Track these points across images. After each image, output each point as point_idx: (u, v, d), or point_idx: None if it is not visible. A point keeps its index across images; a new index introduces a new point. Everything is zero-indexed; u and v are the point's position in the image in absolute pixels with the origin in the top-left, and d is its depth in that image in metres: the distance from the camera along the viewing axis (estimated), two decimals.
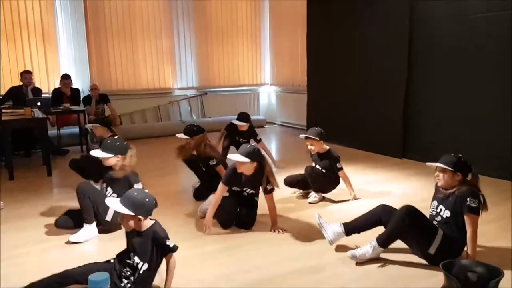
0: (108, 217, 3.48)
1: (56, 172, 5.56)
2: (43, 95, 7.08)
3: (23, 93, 6.75)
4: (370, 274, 2.84)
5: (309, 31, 7.84)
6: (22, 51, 7.60)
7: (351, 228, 3.09)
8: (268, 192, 3.49)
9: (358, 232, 3.09)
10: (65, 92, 7.13)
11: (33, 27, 7.64)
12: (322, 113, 7.39)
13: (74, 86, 7.50)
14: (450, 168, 2.82)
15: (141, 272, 2.44)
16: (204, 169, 4.47)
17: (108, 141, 3.41)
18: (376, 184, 4.87)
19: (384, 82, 6.38)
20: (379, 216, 3.04)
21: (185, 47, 9.08)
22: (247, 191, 3.64)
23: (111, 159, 3.35)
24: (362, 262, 2.94)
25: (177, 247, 2.48)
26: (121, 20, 8.39)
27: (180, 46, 9.03)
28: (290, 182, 4.47)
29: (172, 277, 2.50)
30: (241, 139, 5.50)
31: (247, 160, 3.35)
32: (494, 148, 5.09)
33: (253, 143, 5.11)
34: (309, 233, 3.50)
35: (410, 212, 2.83)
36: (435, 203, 2.98)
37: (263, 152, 3.66)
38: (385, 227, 2.96)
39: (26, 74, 6.91)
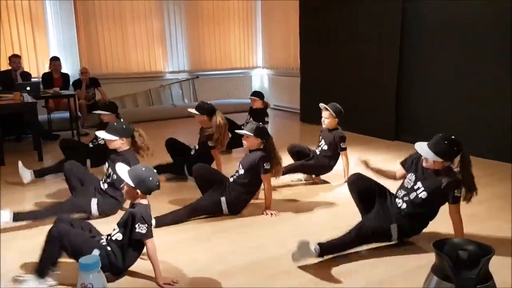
0: (94, 211, 3.45)
1: (47, 157, 5.50)
2: (32, 79, 6.98)
3: (12, 77, 6.64)
4: (355, 258, 2.85)
5: (302, 13, 7.76)
6: (10, 34, 7.46)
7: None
8: (265, 171, 3.49)
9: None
10: (55, 75, 7.05)
11: (20, 10, 7.49)
12: (315, 96, 7.33)
13: (64, 70, 7.40)
14: (439, 159, 2.73)
15: (113, 238, 2.52)
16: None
17: (115, 124, 3.49)
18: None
19: (377, 64, 6.35)
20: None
21: (175, 30, 8.97)
22: (238, 172, 3.61)
23: (116, 142, 3.39)
24: None
25: (146, 236, 2.45)
26: (110, 1, 8.24)
27: (171, 29, 8.92)
28: (290, 169, 4.38)
29: (156, 262, 2.50)
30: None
31: (250, 134, 3.50)
32: (487, 130, 5.12)
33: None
34: (301, 216, 3.53)
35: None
36: (413, 177, 2.90)
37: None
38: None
39: (14, 58, 6.79)
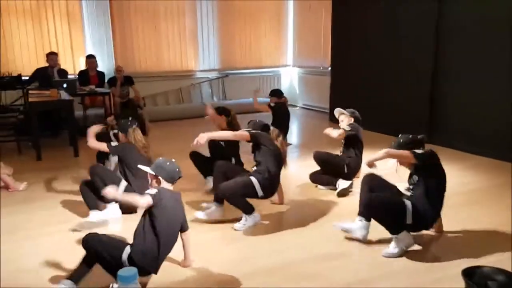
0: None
1: (83, 153, 5.63)
2: (68, 76, 7.19)
3: (49, 74, 6.87)
4: (380, 265, 2.85)
5: (335, 11, 7.70)
6: (48, 31, 7.70)
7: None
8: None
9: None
10: (91, 73, 7.25)
11: (58, 7, 7.71)
12: (345, 96, 7.28)
13: (99, 67, 7.58)
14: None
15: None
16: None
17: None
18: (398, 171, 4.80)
19: (410, 65, 6.24)
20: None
21: (208, 29, 9.04)
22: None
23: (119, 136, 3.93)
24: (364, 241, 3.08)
25: (151, 196, 2.52)
26: (144, 1, 8.37)
27: (203, 28, 8.99)
28: (316, 179, 4.41)
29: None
30: None
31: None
32: None
33: None
34: (325, 223, 3.52)
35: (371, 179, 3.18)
36: (410, 178, 3.13)
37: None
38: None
39: (52, 56, 7.02)
